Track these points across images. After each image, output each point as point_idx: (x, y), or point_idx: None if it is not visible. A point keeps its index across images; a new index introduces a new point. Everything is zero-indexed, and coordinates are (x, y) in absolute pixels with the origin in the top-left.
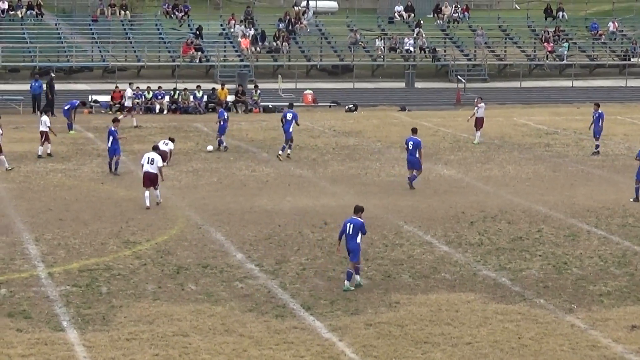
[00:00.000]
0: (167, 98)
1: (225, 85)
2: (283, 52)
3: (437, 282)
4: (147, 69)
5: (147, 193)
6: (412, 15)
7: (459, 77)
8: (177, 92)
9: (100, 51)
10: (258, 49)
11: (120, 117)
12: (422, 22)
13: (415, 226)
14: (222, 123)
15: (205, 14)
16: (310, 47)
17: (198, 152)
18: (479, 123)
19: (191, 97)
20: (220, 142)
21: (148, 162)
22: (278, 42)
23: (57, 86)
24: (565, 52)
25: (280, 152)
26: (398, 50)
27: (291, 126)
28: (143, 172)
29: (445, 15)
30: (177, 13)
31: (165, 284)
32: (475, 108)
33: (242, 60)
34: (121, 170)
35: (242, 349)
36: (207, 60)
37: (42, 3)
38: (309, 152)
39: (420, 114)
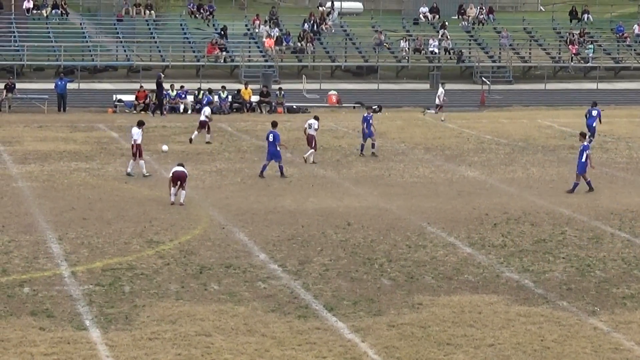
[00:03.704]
0: (190, 98)
1: (249, 85)
2: (307, 53)
3: (460, 283)
4: (172, 68)
5: (173, 190)
6: (437, 16)
7: (483, 78)
8: (202, 92)
9: (125, 51)
10: (283, 49)
11: (194, 135)
12: (446, 23)
13: (438, 227)
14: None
15: (230, 14)
16: (335, 47)
17: (222, 152)
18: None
19: (215, 97)
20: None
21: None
22: (302, 42)
23: (82, 85)
24: (590, 55)
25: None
26: (423, 51)
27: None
28: (172, 172)
29: (470, 17)
30: (202, 13)
31: (188, 283)
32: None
33: (266, 61)
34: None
35: (265, 349)
36: (232, 61)
37: (67, 2)
38: (333, 152)
39: (444, 116)
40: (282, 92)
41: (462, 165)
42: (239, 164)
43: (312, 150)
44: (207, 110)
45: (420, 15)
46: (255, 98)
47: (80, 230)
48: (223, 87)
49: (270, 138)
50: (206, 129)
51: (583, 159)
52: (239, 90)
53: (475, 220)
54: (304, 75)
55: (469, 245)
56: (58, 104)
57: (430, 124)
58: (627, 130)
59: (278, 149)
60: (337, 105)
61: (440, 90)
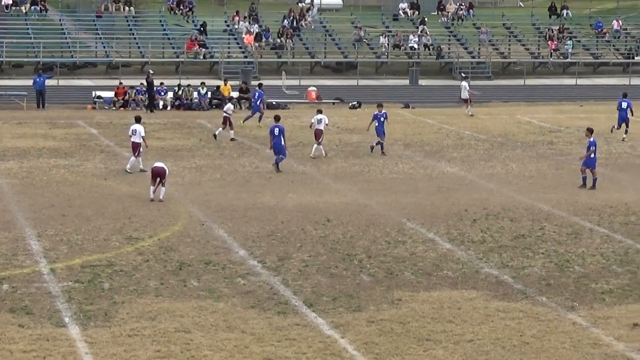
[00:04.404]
0: (170, 94)
1: (229, 82)
2: (287, 49)
3: (440, 279)
4: (151, 64)
5: (151, 188)
6: (417, 12)
7: (462, 74)
8: (181, 88)
9: (104, 47)
10: (262, 45)
11: (219, 130)
12: (426, 19)
13: (417, 223)
14: None
15: (210, 10)
16: (314, 43)
17: (201, 149)
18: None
19: (195, 94)
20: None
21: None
22: (282, 38)
23: (61, 82)
24: (570, 50)
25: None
26: (402, 47)
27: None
28: (152, 168)
29: (450, 13)
30: (181, 9)
31: (168, 280)
32: None
33: (246, 57)
34: (124, 166)
35: (244, 346)
36: (211, 57)
37: None
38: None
39: (423, 111)
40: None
41: (441, 161)
42: (218, 161)
43: (319, 146)
44: (229, 106)
45: (400, 11)
46: (234, 94)
47: (59, 227)
48: (202, 83)
49: (276, 132)
50: (229, 125)
51: (592, 155)
52: (218, 87)
53: (455, 216)
54: (283, 72)
55: (449, 241)
56: (37, 101)
57: (410, 120)
58: (606, 126)
59: (283, 142)
60: (316, 101)
61: (464, 84)
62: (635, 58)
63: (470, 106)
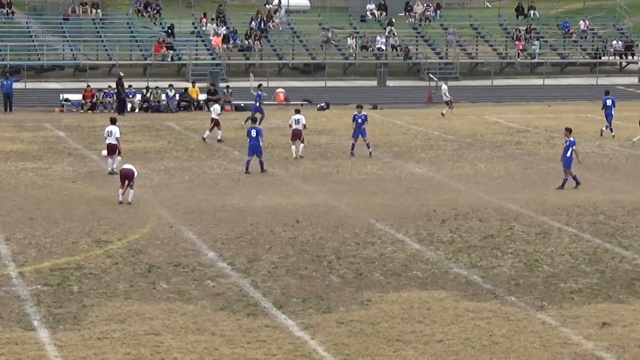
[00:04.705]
0: (138, 96)
1: (197, 84)
2: (255, 51)
3: (409, 280)
4: (119, 67)
5: (120, 191)
6: (384, 13)
7: (430, 75)
8: (149, 90)
9: (71, 50)
10: (230, 47)
11: (207, 133)
12: (394, 20)
13: (386, 224)
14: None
15: (177, 12)
16: (282, 45)
17: (170, 151)
18: None
19: (163, 96)
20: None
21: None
22: (250, 40)
23: (28, 85)
24: (537, 51)
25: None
26: (370, 48)
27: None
28: (120, 170)
29: (417, 14)
30: (149, 11)
31: (137, 282)
32: None
33: (213, 59)
34: (92, 169)
35: (214, 348)
36: (179, 59)
37: (12, 1)
38: (281, 150)
39: (392, 112)
40: (230, 90)
41: (410, 161)
42: (187, 163)
43: (301, 143)
44: (216, 107)
45: (367, 12)
46: (202, 96)
47: (27, 230)
48: (170, 85)
49: (253, 133)
50: (217, 126)
51: (568, 154)
52: (186, 89)
53: (424, 217)
54: (251, 73)
55: (418, 242)
56: (4, 104)
57: (378, 122)
58: (573, 125)
59: (261, 144)
60: (284, 102)
61: (444, 87)
62: (602, 58)
63: (451, 108)
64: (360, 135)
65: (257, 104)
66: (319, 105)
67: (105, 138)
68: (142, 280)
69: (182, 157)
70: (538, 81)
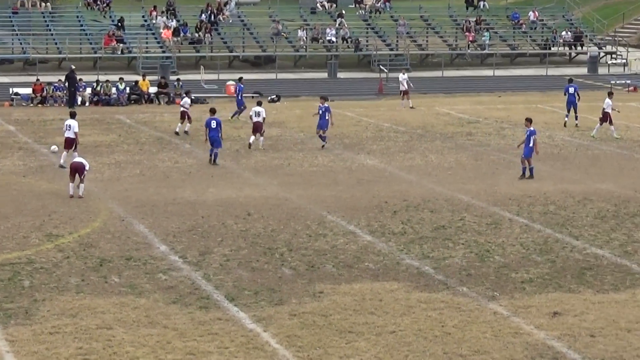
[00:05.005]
0: (88, 90)
1: (147, 77)
2: (205, 43)
3: (361, 271)
4: (69, 60)
5: (70, 185)
6: (334, 5)
7: (381, 67)
8: (99, 84)
9: (20, 43)
10: (180, 40)
11: (179, 127)
12: (344, 12)
13: (338, 216)
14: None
15: (127, 5)
16: (233, 38)
17: (121, 144)
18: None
19: (113, 89)
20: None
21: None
22: (200, 33)
23: None
24: (487, 42)
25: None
26: (320, 40)
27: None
28: (70, 163)
29: (367, 6)
30: (98, 4)
31: (89, 276)
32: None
33: (164, 52)
34: (43, 163)
35: (166, 341)
36: (129, 52)
37: None
38: (232, 143)
39: (343, 104)
40: (180, 83)
41: (361, 153)
42: (137, 156)
43: (261, 137)
44: (186, 100)
45: (318, 4)
46: (153, 89)
47: None
48: (121, 78)
49: (213, 124)
50: (187, 119)
51: (530, 144)
52: (136, 82)
53: (375, 208)
54: (202, 66)
55: (369, 233)
56: None
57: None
58: (523, 116)
59: (220, 135)
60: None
61: (404, 76)
62: (552, 49)
63: (408, 99)
64: (321, 127)
65: (239, 97)
66: (269, 98)
67: (64, 132)
68: (94, 274)
69: (133, 151)
70: (488, 72)
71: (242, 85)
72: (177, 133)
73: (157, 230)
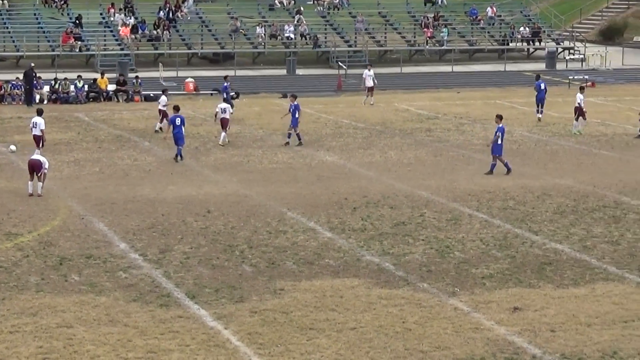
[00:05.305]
0: (46, 88)
1: (106, 74)
2: (164, 40)
3: (321, 268)
4: (27, 58)
5: (30, 183)
6: (293, 2)
7: (339, 63)
8: (58, 81)
9: None
10: (138, 37)
11: (158, 125)
12: (302, 8)
13: (298, 213)
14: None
15: (85, 2)
16: (191, 35)
17: (79, 142)
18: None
19: (72, 87)
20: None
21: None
22: (158, 30)
23: None
24: (445, 38)
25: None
26: (279, 37)
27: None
28: (28, 161)
29: (326, 2)
30: (56, 2)
31: (48, 275)
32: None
33: (122, 49)
34: (1, 162)
35: (127, 339)
36: (88, 50)
37: None
38: (191, 140)
39: (301, 101)
40: (139, 81)
41: (320, 150)
42: (97, 154)
43: (224, 133)
44: (163, 98)
45: (276, 1)
46: (111, 87)
47: None
48: (79, 76)
49: (177, 122)
50: (164, 116)
51: (499, 141)
52: (95, 80)
53: (335, 205)
54: (160, 63)
55: (329, 230)
56: None
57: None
58: (482, 112)
59: (183, 132)
60: (194, 92)
61: (369, 72)
62: (510, 44)
63: (371, 95)
64: (291, 124)
65: (226, 96)
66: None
67: (31, 129)
68: (54, 272)
69: (91, 149)
70: (447, 68)
71: (227, 84)
72: (157, 131)
73: (116, 228)
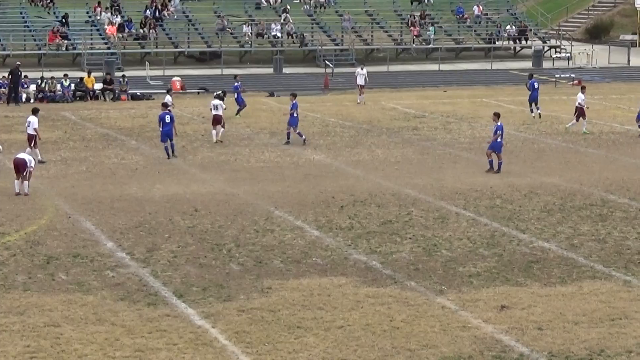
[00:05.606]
0: (33, 87)
1: (92, 73)
2: (150, 39)
3: (309, 266)
4: (13, 57)
5: (16, 182)
6: (279, 0)
7: (326, 62)
8: (44, 80)
9: None
10: (125, 36)
11: None
12: (289, 7)
13: (285, 211)
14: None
15: (71, 1)
16: (178, 33)
17: (66, 141)
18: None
19: (58, 86)
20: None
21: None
22: (145, 29)
23: None
24: (432, 36)
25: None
26: (265, 35)
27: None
28: (13, 160)
29: (312, 1)
30: (42, 1)
31: (36, 274)
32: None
33: (109, 48)
34: None
35: (115, 338)
36: (74, 48)
37: None
38: (179, 139)
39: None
40: (126, 79)
41: (307, 148)
42: (83, 153)
43: (222, 129)
44: (168, 98)
45: (262, 0)
46: (98, 86)
47: None
48: (65, 75)
49: (167, 119)
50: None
51: (499, 139)
52: (81, 79)
53: (322, 203)
54: (147, 62)
55: (317, 228)
56: None
57: (275, 109)
58: (469, 110)
59: (174, 129)
60: (181, 91)
61: (361, 71)
62: (497, 43)
63: (362, 94)
64: (290, 124)
65: (237, 95)
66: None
67: (26, 128)
68: (41, 271)
69: (78, 147)
70: (433, 67)
71: (237, 84)
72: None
73: (104, 227)
